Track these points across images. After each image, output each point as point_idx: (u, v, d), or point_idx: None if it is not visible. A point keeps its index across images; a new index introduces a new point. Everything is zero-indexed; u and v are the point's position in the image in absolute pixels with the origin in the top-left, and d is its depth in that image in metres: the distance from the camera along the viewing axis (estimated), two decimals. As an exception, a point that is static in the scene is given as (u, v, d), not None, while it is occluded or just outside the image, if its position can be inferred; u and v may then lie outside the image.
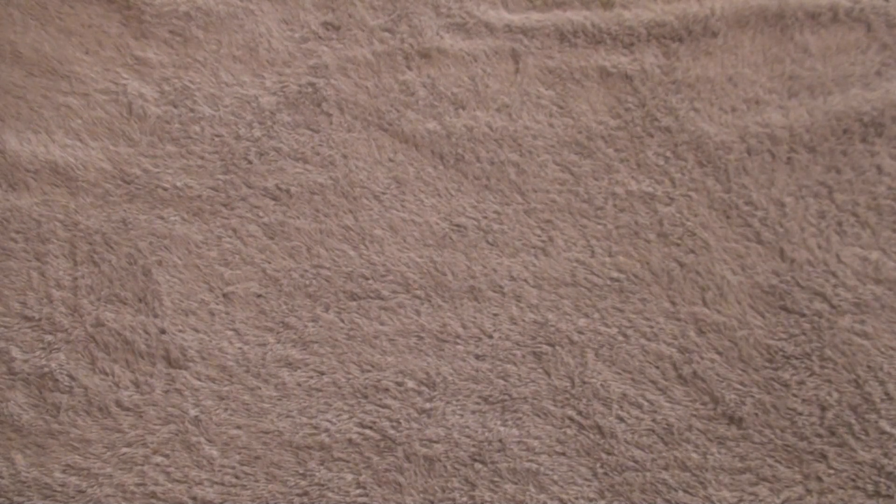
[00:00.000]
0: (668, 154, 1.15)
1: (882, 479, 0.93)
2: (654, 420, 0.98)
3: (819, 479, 0.94)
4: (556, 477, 0.95)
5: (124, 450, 0.98)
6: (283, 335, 1.05)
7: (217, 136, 1.20)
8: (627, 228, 1.11)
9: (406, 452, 0.98)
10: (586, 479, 0.95)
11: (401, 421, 0.99)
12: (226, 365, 1.03)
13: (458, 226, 1.12)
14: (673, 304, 1.05)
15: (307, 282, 1.09)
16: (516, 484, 0.95)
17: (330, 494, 0.95)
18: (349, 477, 0.96)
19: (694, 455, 0.96)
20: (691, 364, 1.01)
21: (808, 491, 0.93)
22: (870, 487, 0.93)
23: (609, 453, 0.97)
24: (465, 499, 0.95)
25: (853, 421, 0.97)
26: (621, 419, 0.98)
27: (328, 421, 1.00)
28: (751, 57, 1.22)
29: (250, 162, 1.18)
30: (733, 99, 1.19)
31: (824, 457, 0.95)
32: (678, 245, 1.09)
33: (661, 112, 1.19)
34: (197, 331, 1.06)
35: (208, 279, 1.09)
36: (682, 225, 1.10)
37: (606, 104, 1.20)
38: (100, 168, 1.17)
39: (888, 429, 0.96)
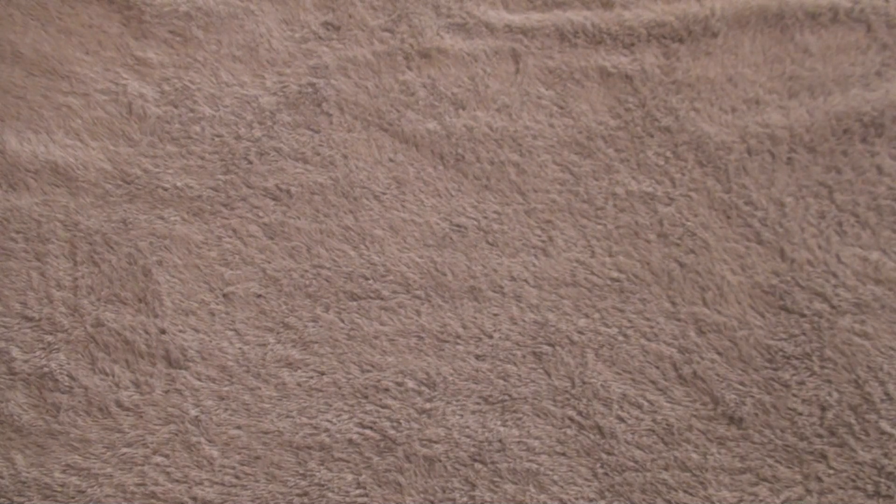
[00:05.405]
0: (668, 154, 1.15)
1: (882, 480, 0.93)
2: (654, 420, 0.98)
3: (819, 479, 0.94)
4: (556, 477, 0.95)
5: (124, 450, 0.98)
6: (284, 335, 1.05)
7: (217, 136, 1.20)
8: (627, 228, 1.11)
9: (406, 452, 0.98)
10: (586, 480, 0.95)
11: (401, 421, 0.99)
12: (226, 365, 1.03)
13: (458, 226, 1.12)
14: (673, 304, 1.05)
15: (307, 282, 1.09)
16: (516, 484, 0.95)
17: (330, 494, 0.95)
18: (349, 477, 0.96)
19: (694, 455, 0.96)
20: (691, 364, 1.01)
21: (808, 491, 0.93)
22: (870, 488, 0.93)
23: (609, 453, 0.97)
24: (465, 499, 0.95)
25: (853, 421, 0.97)
26: (621, 419, 0.98)
27: (328, 421, 1.00)
28: (751, 57, 1.22)
29: (250, 162, 1.18)
30: (733, 99, 1.19)
31: (824, 457, 0.95)
32: (678, 245, 1.09)
33: (661, 112, 1.19)
34: (197, 331, 1.06)
35: (208, 279, 1.09)
36: (682, 225, 1.10)
37: (606, 104, 1.20)
38: (100, 168, 1.17)
39: (888, 429, 0.96)
